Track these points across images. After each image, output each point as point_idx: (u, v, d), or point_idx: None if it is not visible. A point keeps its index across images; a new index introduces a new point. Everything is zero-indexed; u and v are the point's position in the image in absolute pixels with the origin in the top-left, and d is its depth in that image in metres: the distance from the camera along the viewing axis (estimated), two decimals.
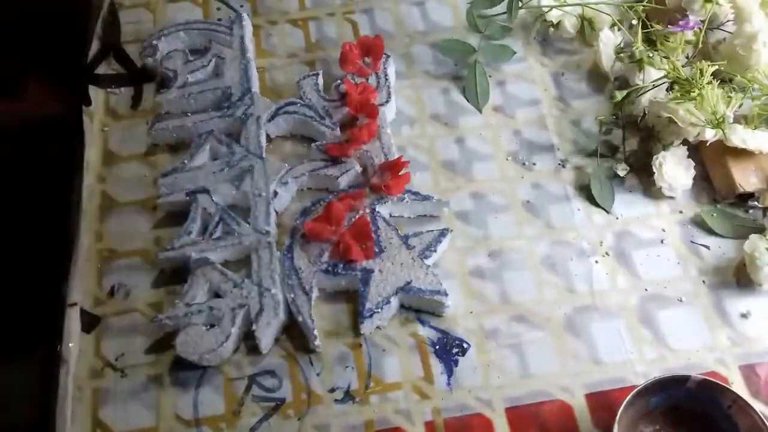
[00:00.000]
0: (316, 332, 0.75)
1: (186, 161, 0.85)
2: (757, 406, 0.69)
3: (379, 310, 0.75)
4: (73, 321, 0.77)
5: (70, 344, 0.75)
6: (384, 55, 0.92)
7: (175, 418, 0.73)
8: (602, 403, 0.73)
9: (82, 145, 0.88)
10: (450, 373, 0.75)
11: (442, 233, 0.81)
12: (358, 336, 0.77)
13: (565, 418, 0.73)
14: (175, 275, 0.79)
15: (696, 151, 0.88)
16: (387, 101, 0.89)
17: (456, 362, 0.75)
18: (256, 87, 0.91)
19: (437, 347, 0.76)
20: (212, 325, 0.75)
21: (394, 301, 0.77)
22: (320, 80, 0.92)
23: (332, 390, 0.74)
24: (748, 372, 0.75)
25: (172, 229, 0.82)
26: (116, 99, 0.93)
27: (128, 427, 0.72)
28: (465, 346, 0.76)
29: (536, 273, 0.81)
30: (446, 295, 0.76)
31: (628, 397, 0.67)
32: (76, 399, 0.73)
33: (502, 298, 0.79)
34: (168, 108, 0.89)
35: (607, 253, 0.82)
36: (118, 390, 0.74)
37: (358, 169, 0.85)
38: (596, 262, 0.81)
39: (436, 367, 0.75)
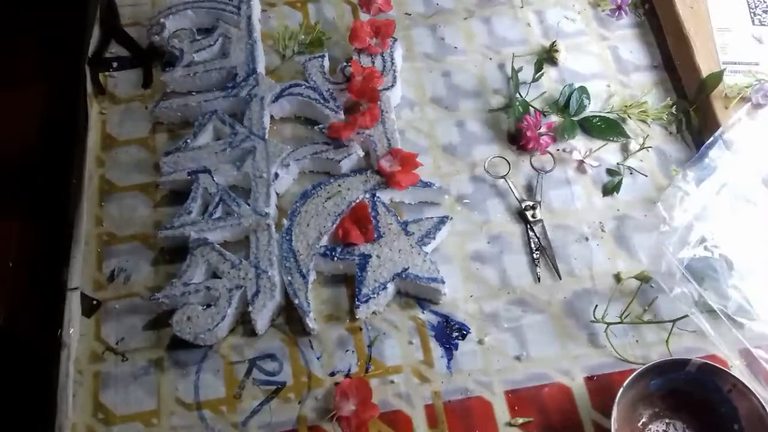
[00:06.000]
0: (311, 315, 0.75)
1: (189, 140, 0.84)
2: (757, 389, 0.69)
3: (375, 295, 0.75)
4: (73, 305, 0.77)
5: (71, 329, 0.76)
6: (391, 38, 0.91)
7: (175, 401, 0.73)
8: (602, 386, 0.73)
9: (86, 130, 0.88)
10: (450, 356, 0.75)
11: (442, 221, 0.80)
12: (358, 320, 0.77)
13: (564, 400, 0.73)
14: (174, 260, 0.79)
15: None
16: (392, 85, 0.88)
17: (456, 346, 0.75)
18: (261, 67, 0.90)
19: (437, 331, 0.76)
20: (209, 305, 0.75)
21: (391, 287, 0.77)
22: (326, 62, 0.91)
23: (333, 373, 0.74)
24: (749, 356, 0.75)
25: (172, 212, 0.82)
26: (114, 82, 0.92)
27: (129, 410, 0.73)
28: (465, 330, 0.76)
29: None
30: (443, 282, 0.76)
31: (628, 380, 0.67)
32: (77, 383, 0.74)
33: (502, 282, 0.79)
34: (173, 86, 0.88)
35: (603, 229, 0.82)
36: (118, 373, 0.74)
37: (361, 153, 0.84)
38: (597, 245, 0.81)
39: (436, 350, 0.75)
